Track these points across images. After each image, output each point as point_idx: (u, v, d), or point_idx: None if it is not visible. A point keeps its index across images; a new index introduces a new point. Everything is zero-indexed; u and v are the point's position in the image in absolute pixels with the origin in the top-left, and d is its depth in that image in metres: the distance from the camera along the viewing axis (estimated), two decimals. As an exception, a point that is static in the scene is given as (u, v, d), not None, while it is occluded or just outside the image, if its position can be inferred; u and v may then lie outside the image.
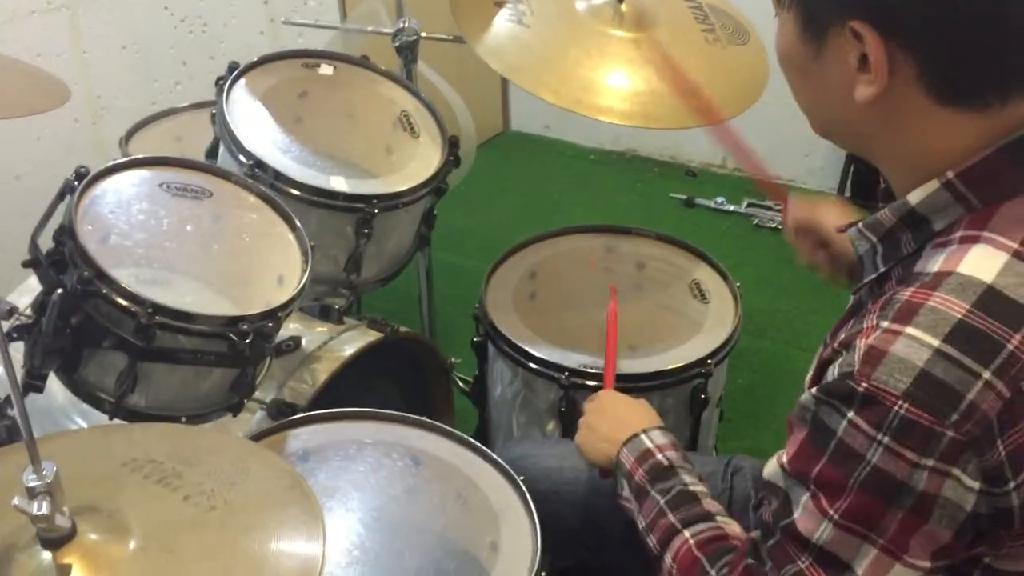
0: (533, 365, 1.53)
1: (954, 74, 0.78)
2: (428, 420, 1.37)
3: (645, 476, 1.07)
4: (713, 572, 0.94)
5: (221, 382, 1.33)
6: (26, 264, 1.24)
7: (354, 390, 1.62)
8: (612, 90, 1.59)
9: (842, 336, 0.82)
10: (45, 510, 0.77)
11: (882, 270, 0.87)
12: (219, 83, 1.58)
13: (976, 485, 0.74)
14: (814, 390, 0.80)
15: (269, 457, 0.96)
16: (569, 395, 1.50)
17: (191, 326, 1.23)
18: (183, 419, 1.32)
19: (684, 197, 3.33)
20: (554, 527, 1.21)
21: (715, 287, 1.68)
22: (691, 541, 0.98)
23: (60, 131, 2.39)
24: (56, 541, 0.80)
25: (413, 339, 1.71)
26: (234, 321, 1.25)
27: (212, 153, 1.62)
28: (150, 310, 1.19)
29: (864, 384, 0.75)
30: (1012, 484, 0.75)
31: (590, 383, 1.50)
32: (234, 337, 1.25)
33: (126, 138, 2.05)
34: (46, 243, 1.25)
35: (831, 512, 0.78)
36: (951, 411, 0.73)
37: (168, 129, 2.12)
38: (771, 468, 0.86)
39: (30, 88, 1.29)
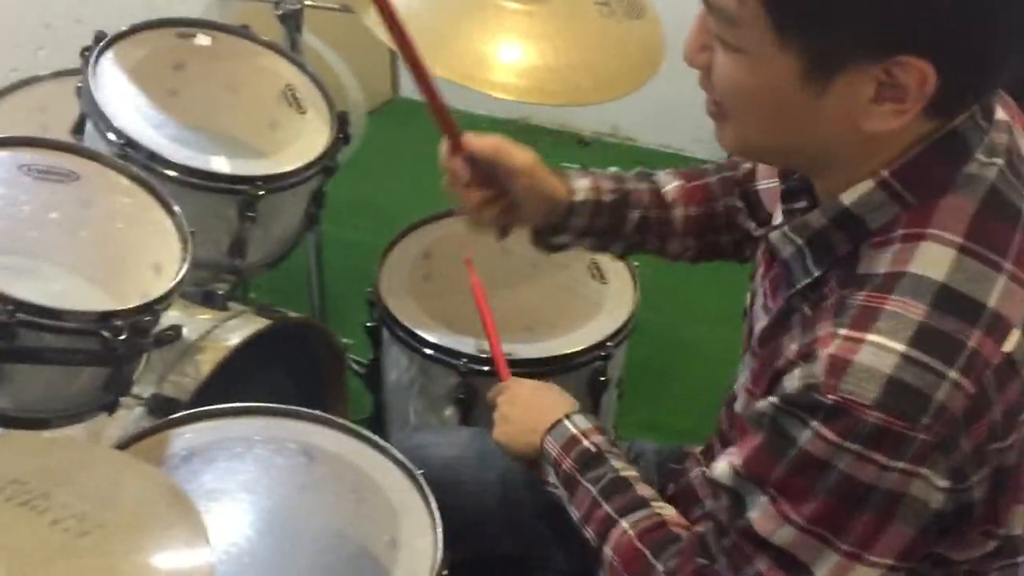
0: (429, 351, 1.48)
1: (964, 94, 0.78)
2: (321, 414, 1.31)
3: (574, 465, 1.04)
4: (660, 566, 0.92)
5: (93, 381, 1.23)
6: None
7: (241, 380, 1.54)
8: (506, 65, 1.54)
9: (793, 347, 0.80)
10: None
11: (816, 274, 0.84)
12: (84, 54, 1.46)
13: (944, 484, 0.74)
14: (773, 399, 0.78)
15: (146, 470, 0.89)
16: (467, 381, 1.46)
17: (58, 323, 1.13)
18: (52, 421, 1.23)
19: (577, 167, 3.31)
20: (455, 518, 1.18)
21: (613, 266, 1.66)
22: (630, 532, 0.96)
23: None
24: (-97, 581, 0.72)
25: (304, 324, 1.64)
26: (106, 317, 1.15)
27: (79, 129, 1.50)
28: (10, 307, 1.09)
29: (831, 396, 0.73)
30: (974, 479, 0.76)
31: (488, 368, 1.46)
32: (107, 334, 1.15)
33: (-22, 111, 1.90)
34: None
35: (793, 516, 0.77)
36: (922, 415, 0.72)
37: (30, 100, 1.97)
38: (721, 470, 0.84)
39: None
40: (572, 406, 1.13)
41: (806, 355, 0.77)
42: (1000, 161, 0.81)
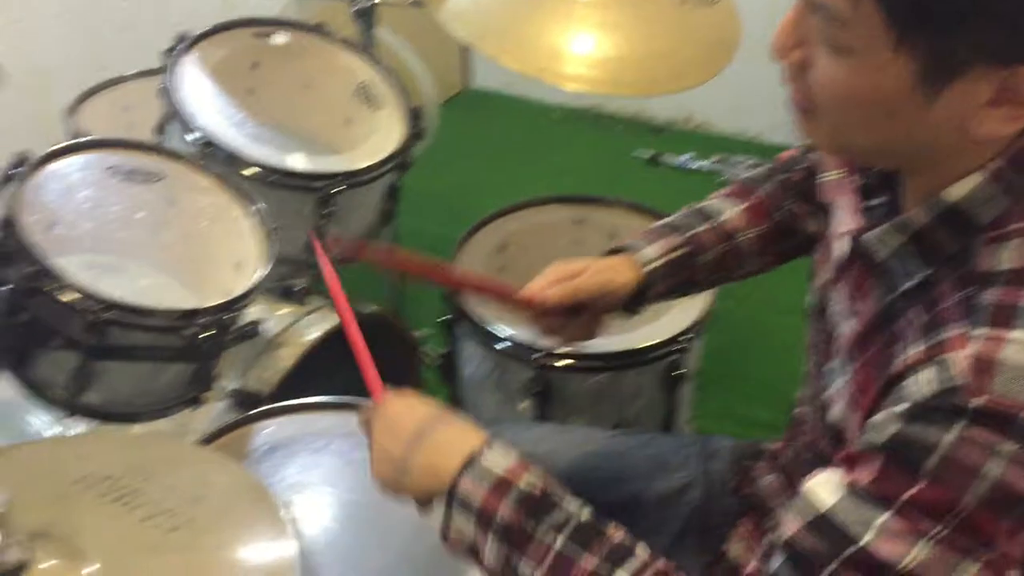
0: (503, 346, 1.48)
1: None
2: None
3: (517, 512, 0.83)
4: None
5: (179, 377, 1.27)
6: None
7: (319, 374, 1.57)
8: (579, 56, 1.53)
9: (909, 352, 0.75)
10: (-4, 544, 0.72)
11: (928, 272, 0.79)
12: (166, 54, 1.50)
13: None
14: (900, 408, 0.71)
15: (230, 467, 0.91)
16: (542, 375, 1.46)
17: (144, 321, 1.17)
18: (141, 415, 1.27)
19: (649, 155, 3.29)
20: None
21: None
22: None
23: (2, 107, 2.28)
24: (6, 574, 0.75)
25: (379, 317, 1.65)
26: (190, 315, 1.19)
27: (162, 129, 1.54)
28: (100, 307, 1.13)
29: (978, 398, 0.68)
30: None
31: (561, 363, 1.46)
32: (190, 331, 1.19)
33: (71, 109, 1.96)
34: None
35: (933, 532, 0.70)
36: None
37: (116, 99, 2.03)
38: (829, 488, 0.74)
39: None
40: (478, 435, 0.89)
41: (934, 358, 0.72)
42: None
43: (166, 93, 1.45)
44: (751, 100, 3.32)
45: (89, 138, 1.29)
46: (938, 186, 0.78)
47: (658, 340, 1.47)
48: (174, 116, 1.44)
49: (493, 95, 3.65)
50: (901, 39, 0.72)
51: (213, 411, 1.40)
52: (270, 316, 1.54)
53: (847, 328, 0.93)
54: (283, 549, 0.82)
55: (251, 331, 1.46)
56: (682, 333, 1.49)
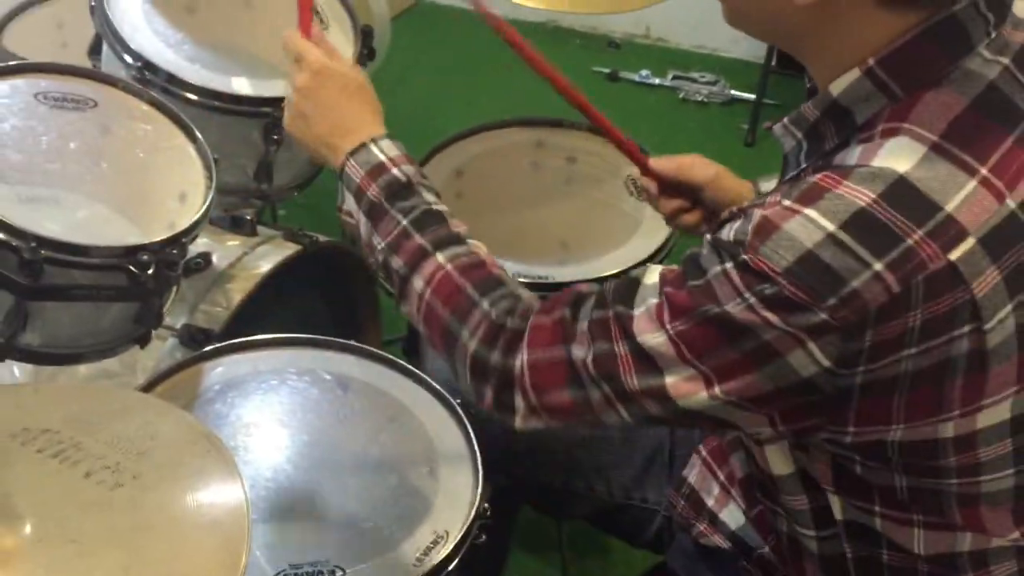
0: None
1: None
2: (355, 344, 1.29)
3: (380, 193, 0.97)
4: (485, 303, 0.91)
5: (124, 314, 1.21)
6: None
7: (273, 306, 1.53)
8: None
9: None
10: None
11: (804, 166, 0.84)
12: (96, -32, 1.40)
13: (826, 364, 0.74)
14: (708, 236, 0.81)
15: (179, 416, 0.86)
16: (504, 306, 1.42)
17: (84, 259, 1.10)
18: (85, 355, 1.21)
19: (608, 71, 3.22)
20: (493, 447, 1.16)
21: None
22: (448, 266, 0.93)
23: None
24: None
25: (334, 248, 1.60)
26: (133, 251, 1.12)
27: (95, 50, 1.44)
28: (33, 244, 1.06)
29: (749, 255, 0.74)
30: (861, 368, 0.75)
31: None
32: (134, 269, 1.12)
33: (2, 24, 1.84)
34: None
35: (668, 326, 0.79)
36: (829, 295, 0.72)
37: (48, 15, 1.91)
38: (652, 274, 0.85)
39: None
40: (379, 127, 1.03)
41: (747, 212, 0.78)
42: (1006, 60, 0.78)
43: (99, 11, 1.35)
44: (709, 14, 3.24)
45: (13, 63, 1.20)
46: (827, 80, 0.81)
47: (621, 268, 1.43)
48: (108, 37, 1.35)
49: (446, 8, 3.53)
50: None
51: (162, 349, 1.35)
52: (218, 248, 1.48)
53: None
54: (235, 503, 0.78)
55: (199, 264, 1.41)
56: (648, 258, 1.46)
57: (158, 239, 1.14)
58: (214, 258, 1.44)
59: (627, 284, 0.85)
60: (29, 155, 1.17)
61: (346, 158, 1.00)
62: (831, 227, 0.72)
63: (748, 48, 3.25)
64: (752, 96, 2.98)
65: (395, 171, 0.98)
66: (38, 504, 0.75)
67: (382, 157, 0.99)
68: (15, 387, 0.91)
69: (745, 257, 0.74)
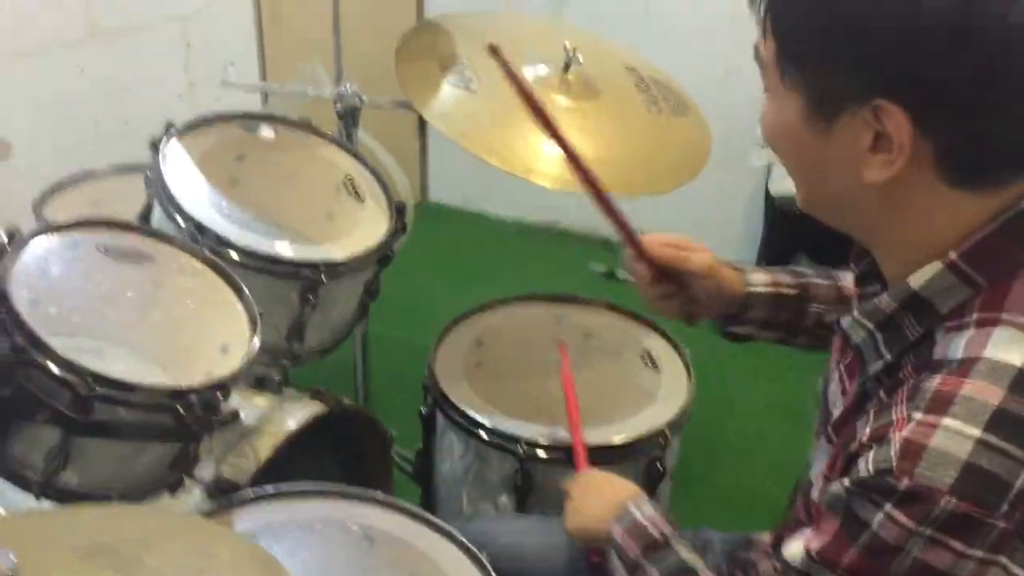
0: (487, 437, 1.48)
1: (974, 156, 0.77)
2: (383, 496, 1.30)
3: (640, 550, 1.05)
4: None
5: (161, 458, 1.23)
6: (-49, 331, 1.14)
7: (294, 464, 1.54)
8: (559, 158, 1.58)
9: (866, 430, 0.79)
10: (0, 604, 0.68)
11: (889, 358, 0.84)
12: (154, 144, 1.51)
13: (1020, 573, 0.73)
14: (846, 482, 0.77)
15: (235, 537, 0.88)
16: (525, 468, 1.45)
17: (134, 397, 1.14)
18: (116, 499, 1.22)
19: (604, 269, 3.35)
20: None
21: (666, 355, 1.67)
22: None
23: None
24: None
25: (356, 412, 1.64)
26: (180, 393, 1.16)
27: (144, 219, 1.53)
28: (89, 380, 1.10)
29: (906, 480, 0.72)
30: None
31: (546, 455, 1.45)
32: (180, 409, 1.16)
33: (40, 202, 1.94)
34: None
35: None
36: (1000, 502, 0.71)
37: (85, 193, 2.02)
38: (793, 551, 0.83)
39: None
40: (637, 494, 1.14)
41: (879, 438, 0.76)
42: None
43: (156, 179, 1.45)
44: (699, 220, 3.42)
45: (81, 217, 1.28)
46: (903, 273, 0.82)
47: (641, 434, 1.47)
48: (162, 201, 1.44)
49: (449, 209, 3.71)
50: (785, 74, 0.81)
51: (188, 500, 1.36)
52: (245, 405, 1.52)
53: (835, 411, 0.96)
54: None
55: (231, 418, 1.44)
56: (665, 427, 1.49)
57: (204, 382, 1.18)
58: (242, 414, 1.47)
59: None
60: (88, 301, 1.23)
61: (612, 524, 1.09)
62: (977, 433, 0.72)
63: (736, 251, 3.41)
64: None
65: (651, 529, 1.06)
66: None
67: (639, 517, 1.08)
68: (77, 508, 0.92)
69: (902, 486, 0.73)
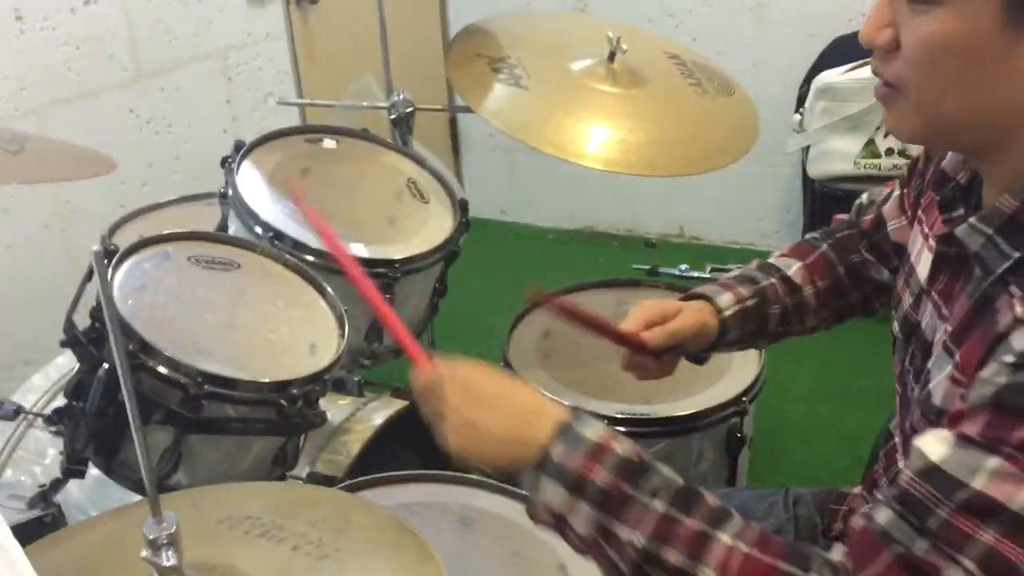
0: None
1: None
2: (477, 478, 1.34)
3: (616, 477, 0.84)
4: None
5: (264, 454, 1.28)
6: (64, 344, 1.20)
7: (380, 460, 1.58)
8: (613, 143, 1.63)
9: (1016, 310, 0.78)
10: (173, 560, 0.73)
11: (1018, 255, 0.82)
12: (226, 162, 1.57)
13: None
14: (1006, 358, 0.74)
15: (368, 503, 0.92)
16: (608, 444, 1.48)
17: (239, 393, 1.19)
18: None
19: (647, 267, 3.39)
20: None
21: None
22: (743, 547, 0.81)
23: (31, 238, 2.33)
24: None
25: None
26: (282, 386, 1.21)
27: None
28: (199, 379, 1.16)
29: None
30: None
31: (626, 429, 1.49)
32: (283, 403, 1.21)
33: (109, 235, 2.00)
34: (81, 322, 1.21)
35: None
36: None
37: (152, 225, 2.08)
38: (937, 445, 0.76)
39: (74, 158, 1.27)
40: (562, 409, 0.90)
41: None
42: None
43: (232, 194, 1.51)
44: (739, 211, 3.46)
45: (171, 231, 1.34)
46: (1010, 180, 0.84)
47: (721, 401, 1.51)
48: (240, 213, 1.49)
49: (487, 222, 3.77)
50: None
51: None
52: (331, 407, 1.56)
53: (940, 334, 0.97)
54: (433, 572, 0.82)
55: (321, 419, 1.49)
56: (742, 393, 1.53)
57: (304, 375, 1.23)
58: (329, 415, 1.52)
59: (929, 474, 0.76)
60: (185, 307, 1.29)
61: (549, 446, 0.86)
62: None
63: (777, 240, 3.44)
64: (788, 281, 3.12)
65: (620, 450, 0.85)
66: (260, 571, 0.80)
67: (595, 436, 0.86)
68: (210, 488, 0.97)
69: None
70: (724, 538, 0.81)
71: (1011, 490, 0.72)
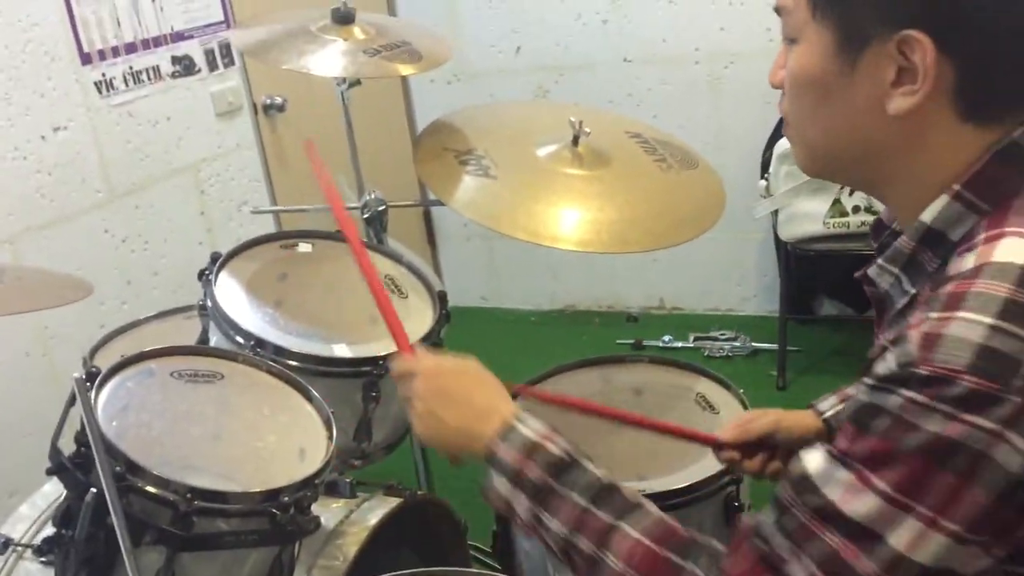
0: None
1: (987, 86, 0.83)
2: (477, 572, 1.33)
3: (545, 473, 0.94)
4: (688, 565, 0.87)
5: (259, 567, 1.26)
6: (50, 472, 1.19)
7: (376, 562, 1.56)
8: (585, 224, 1.65)
9: (884, 339, 0.83)
10: None
11: (913, 291, 0.89)
12: (204, 275, 1.58)
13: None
14: (868, 380, 0.80)
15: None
16: (607, 524, 1.47)
17: (230, 506, 1.18)
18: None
19: (631, 341, 3.40)
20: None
21: (721, 397, 1.70)
22: (643, 540, 0.89)
23: (12, 366, 2.33)
24: None
25: (429, 501, 1.67)
26: (274, 494, 1.20)
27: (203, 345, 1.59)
28: (188, 495, 1.15)
29: (925, 367, 0.76)
30: None
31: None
32: (275, 511, 1.20)
33: (90, 356, 2.00)
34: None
35: (877, 484, 0.78)
36: (1012, 377, 0.74)
37: (133, 343, 2.07)
38: (811, 458, 0.83)
39: (51, 285, 1.28)
40: (511, 404, 1.02)
41: (897, 340, 0.79)
42: None
43: (212, 305, 1.51)
44: (718, 278, 3.50)
45: (152, 348, 1.34)
46: (914, 212, 0.88)
47: (715, 471, 1.50)
48: (220, 324, 1.50)
49: (468, 310, 3.78)
50: (815, 12, 0.87)
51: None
52: (324, 511, 1.54)
53: None
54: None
55: (315, 525, 1.47)
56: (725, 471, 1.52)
57: (295, 481, 1.22)
58: (323, 519, 1.50)
59: (798, 482, 0.83)
60: (171, 422, 1.28)
61: (494, 442, 0.97)
62: (989, 320, 0.76)
63: (758, 304, 3.47)
64: (774, 345, 3.14)
65: (553, 448, 0.95)
66: None
67: (533, 436, 0.96)
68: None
69: (922, 371, 0.76)
70: (631, 532, 0.90)
71: (854, 501, 0.78)
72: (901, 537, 0.77)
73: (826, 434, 1.29)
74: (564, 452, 0.95)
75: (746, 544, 0.85)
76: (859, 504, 0.78)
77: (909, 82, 0.83)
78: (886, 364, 0.79)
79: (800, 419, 1.33)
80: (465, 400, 1.03)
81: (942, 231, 0.86)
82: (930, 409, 0.75)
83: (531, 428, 0.98)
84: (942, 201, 0.86)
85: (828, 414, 1.31)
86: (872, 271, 0.94)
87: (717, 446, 1.35)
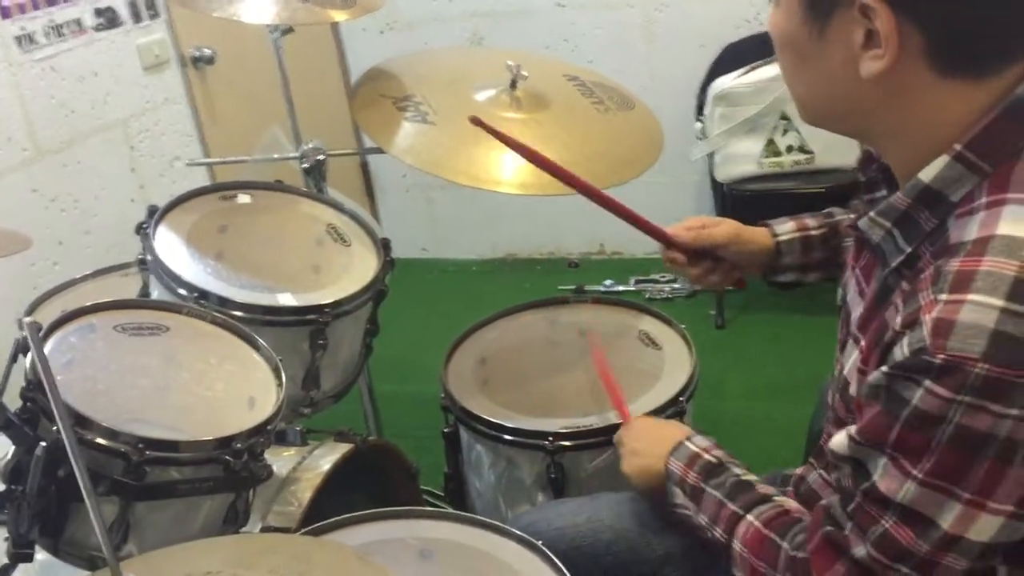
0: (514, 438, 1.53)
1: (958, 44, 0.82)
2: (436, 509, 1.35)
3: (698, 476, 1.14)
4: (785, 544, 0.99)
5: (214, 515, 1.27)
6: (-4, 427, 1.17)
7: (333, 505, 1.57)
8: (525, 166, 1.66)
9: (898, 319, 0.83)
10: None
11: (909, 250, 0.89)
12: (142, 228, 1.56)
13: None
14: (885, 368, 0.82)
15: (324, 543, 0.93)
16: (555, 460, 1.50)
17: (182, 454, 1.18)
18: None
19: (573, 287, 3.42)
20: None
21: (664, 333, 1.74)
22: (756, 523, 1.04)
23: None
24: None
25: (381, 446, 1.68)
26: (226, 441, 1.21)
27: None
28: (139, 446, 1.14)
29: (941, 355, 0.77)
30: None
31: (573, 443, 1.51)
32: (229, 458, 1.20)
33: (28, 315, 1.96)
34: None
35: (913, 472, 0.81)
36: None
37: (70, 302, 2.04)
38: (838, 442, 0.89)
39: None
40: (686, 431, 1.23)
41: (911, 323, 0.80)
42: None
43: (152, 259, 1.50)
44: (656, 223, 3.53)
45: (93, 303, 1.32)
46: (912, 169, 0.88)
47: (660, 403, 1.54)
48: (161, 277, 1.48)
49: (410, 261, 3.77)
50: None
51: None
52: (276, 460, 1.55)
53: (856, 312, 1.03)
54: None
55: (267, 472, 1.48)
56: (678, 395, 1.56)
57: (246, 428, 1.22)
58: (275, 467, 1.51)
59: (851, 464, 0.88)
60: (116, 376, 1.27)
61: (668, 458, 1.19)
62: (1000, 302, 0.76)
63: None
64: (711, 286, 3.19)
65: (707, 456, 1.16)
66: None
67: (694, 448, 1.18)
68: (167, 549, 0.96)
69: (937, 361, 0.77)
70: (749, 518, 1.06)
71: (894, 486, 0.83)
72: (951, 520, 0.81)
73: (775, 255, 1.36)
74: (716, 459, 1.15)
75: (820, 527, 0.93)
76: (904, 490, 0.82)
77: (876, 46, 0.83)
78: (901, 349, 0.81)
79: (755, 235, 1.38)
80: (656, 436, 1.25)
81: (940, 191, 0.86)
82: (955, 403, 0.77)
83: (695, 444, 1.19)
84: (942, 161, 0.86)
85: (782, 238, 1.36)
86: (863, 223, 0.94)
87: (667, 242, 1.41)
